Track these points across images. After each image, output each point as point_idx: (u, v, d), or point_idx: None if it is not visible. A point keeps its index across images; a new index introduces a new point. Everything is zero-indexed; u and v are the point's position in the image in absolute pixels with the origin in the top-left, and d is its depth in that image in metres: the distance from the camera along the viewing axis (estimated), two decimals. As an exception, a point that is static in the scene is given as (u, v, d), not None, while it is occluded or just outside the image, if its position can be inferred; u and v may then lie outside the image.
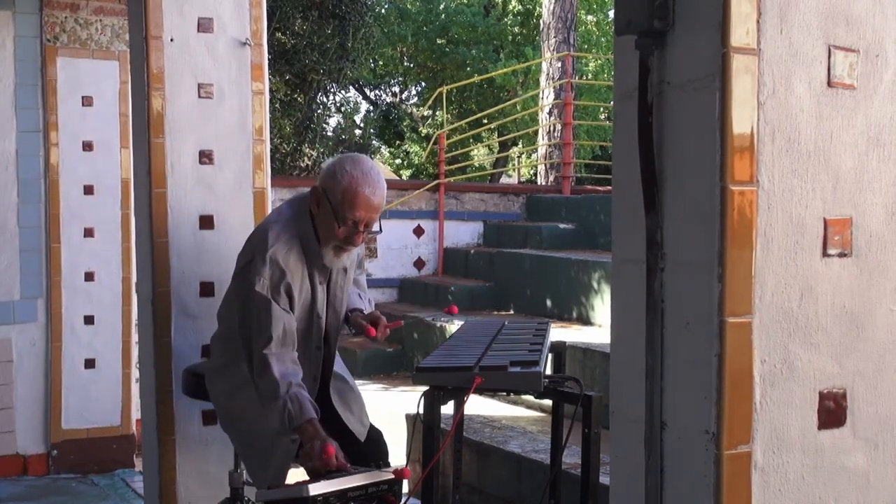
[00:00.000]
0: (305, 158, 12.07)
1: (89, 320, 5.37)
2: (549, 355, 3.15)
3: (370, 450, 3.21)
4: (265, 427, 2.90)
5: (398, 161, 21.29)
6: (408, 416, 4.86)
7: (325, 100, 12.68)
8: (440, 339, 6.19)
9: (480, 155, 18.90)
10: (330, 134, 13.78)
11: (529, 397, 4.75)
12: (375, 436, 3.30)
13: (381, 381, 6.57)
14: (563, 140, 10.23)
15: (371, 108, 20.34)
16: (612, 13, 14.98)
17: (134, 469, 5.42)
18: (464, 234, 8.88)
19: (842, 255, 1.62)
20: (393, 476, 2.64)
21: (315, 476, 2.72)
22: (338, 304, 3.15)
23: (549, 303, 6.88)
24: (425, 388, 2.56)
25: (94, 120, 5.35)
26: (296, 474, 2.98)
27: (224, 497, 3.29)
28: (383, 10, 18.10)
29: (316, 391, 3.09)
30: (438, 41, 18.27)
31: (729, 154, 1.49)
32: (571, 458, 3.57)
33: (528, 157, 18.69)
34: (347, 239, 2.90)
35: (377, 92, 20.66)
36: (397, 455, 3.34)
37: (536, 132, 13.89)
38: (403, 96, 21.04)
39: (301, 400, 2.77)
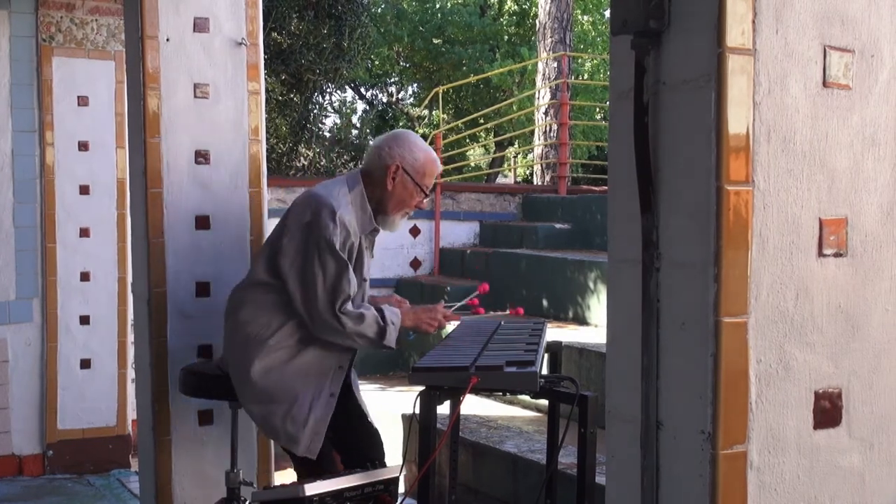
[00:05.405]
0: (301, 158, 12.06)
1: (85, 320, 5.37)
2: (545, 355, 3.15)
3: (367, 448, 3.22)
4: (308, 386, 3.07)
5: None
6: (404, 416, 4.86)
7: (321, 100, 12.67)
8: (436, 339, 6.19)
9: (476, 155, 18.90)
10: (326, 134, 13.76)
11: (525, 397, 4.75)
12: (373, 434, 3.31)
13: (378, 381, 6.56)
14: (559, 140, 10.23)
15: (367, 107, 20.32)
16: (608, 13, 14.97)
17: (130, 469, 5.42)
18: (460, 234, 8.87)
19: (837, 255, 1.62)
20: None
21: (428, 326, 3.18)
22: (368, 281, 3.30)
23: (545, 303, 6.88)
24: (421, 388, 2.56)
25: (89, 120, 5.35)
26: (293, 475, 2.98)
27: (220, 497, 3.29)
28: (379, 10, 18.09)
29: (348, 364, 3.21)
30: (434, 41, 18.26)
31: (724, 154, 1.49)
32: (567, 458, 3.58)
33: (524, 157, 18.69)
34: (418, 203, 3.25)
35: (373, 92, 20.63)
36: (393, 455, 3.34)
37: (532, 132, 13.88)
38: (399, 96, 21.01)
39: (389, 312, 3.10)
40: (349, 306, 3.02)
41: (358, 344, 3.09)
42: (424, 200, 3.26)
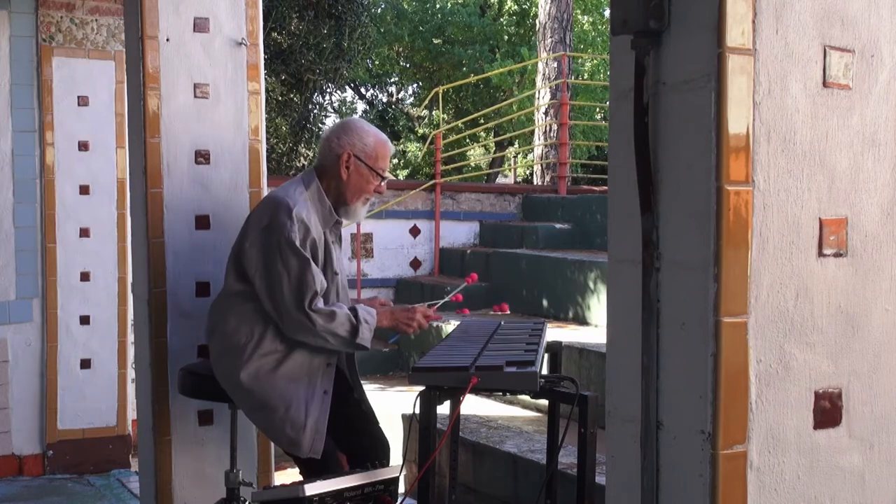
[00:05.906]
0: (301, 158, 12.06)
1: (85, 320, 5.37)
2: (546, 355, 3.15)
3: (372, 447, 3.22)
4: (300, 388, 3.04)
5: (394, 161, 21.27)
6: (404, 416, 4.86)
7: (321, 100, 12.67)
8: (436, 339, 6.19)
9: (477, 155, 18.90)
10: (326, 134, 13.75)
11: (525, 397, 4.75)
12: (378, 433, 3.30)
13: (378, 381, 6.56)
14: (559, 140, 10.23)
15: (367, 107, 20.34)
16: (608, 13, 14.97)
17: (130, 469, 5.42)
18: (460, 234, 8.87)
19: (837, 254, 1.62)
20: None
21: (406, 325, 3.16)
22: (342, 276, 3.25)
23: (545, 303, 6.88)
24: (421, 388, 2.56)
25: (89, 120, 5.35)
26: (293, 475, 2.98)
27: (220, 497, 3.29)
28: (379, 10, 18.09)
29: (335, 365, 3.17)
30: (434, 41, 18.27)
31: (724, 154, 1.49)
32: (567, 458, 3.58)
33: (524, 157, 18.70)
34: (377, 188, 3.23)
35: (373, 92, 20.65)
36: (393, 455, 3.34)
37: (532, 132, 13.88)
38: (400, 96, 21.03)
39: (362, 311, 3.05)
40: (319, 303, 2.99)
41: (330, 343, 3.03)
42: (383, 184, 3.23)
